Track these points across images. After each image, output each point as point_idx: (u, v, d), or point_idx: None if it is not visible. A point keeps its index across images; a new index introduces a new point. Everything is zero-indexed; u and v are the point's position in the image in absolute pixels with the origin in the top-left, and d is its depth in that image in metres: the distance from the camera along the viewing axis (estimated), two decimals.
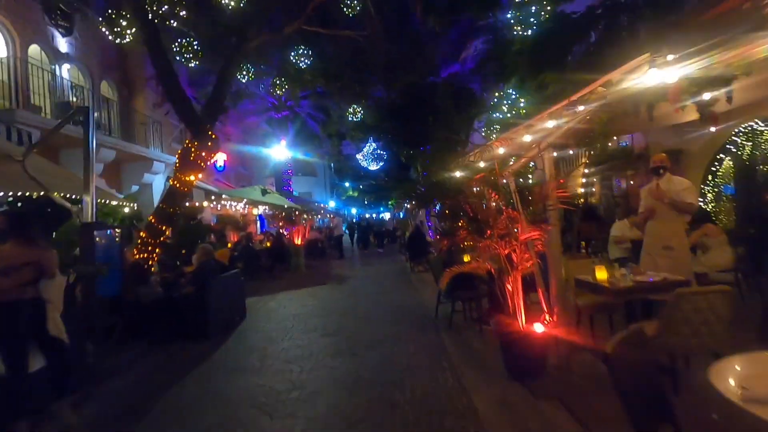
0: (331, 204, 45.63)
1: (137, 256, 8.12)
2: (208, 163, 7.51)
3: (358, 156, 22.54)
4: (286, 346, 5.77)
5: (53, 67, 11.06)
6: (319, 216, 22.01)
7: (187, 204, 15.67)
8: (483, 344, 5.16)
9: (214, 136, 7.15)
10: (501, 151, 3.89)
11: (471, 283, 5.85)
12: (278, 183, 17.54)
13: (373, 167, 22.35)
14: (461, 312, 6.23)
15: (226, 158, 19.89)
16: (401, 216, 31.57)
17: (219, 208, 16.78)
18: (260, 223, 23.10)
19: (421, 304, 7.76)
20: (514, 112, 6.11)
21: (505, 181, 4.22)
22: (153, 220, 7.79)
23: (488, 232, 4.10)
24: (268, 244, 14.77)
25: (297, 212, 13.99)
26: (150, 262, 8.13)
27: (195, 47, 7.76)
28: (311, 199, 24.81)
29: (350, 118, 11.68)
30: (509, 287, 4.05)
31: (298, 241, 14.05)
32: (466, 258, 6.49)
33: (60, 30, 11.26)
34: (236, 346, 5.92)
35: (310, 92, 14.02)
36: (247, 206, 16.06)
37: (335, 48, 9.99)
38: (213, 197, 13.46)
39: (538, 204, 4.07)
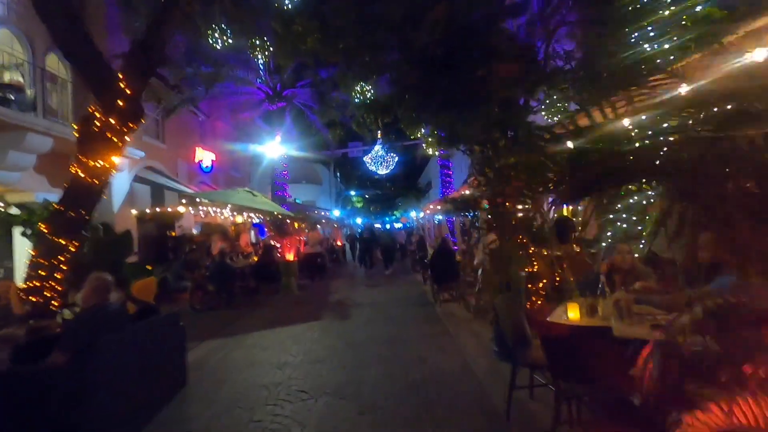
0: (336, 213, 42.95)
1: (26, 285, 5.19)
2: (127, 137, 4.57)
3: (366, 159, 19.73)
4: None
5: None
6: (319, 226, 18.93)
7: (158, 210, 12.86)
8: None
9: (130, 92, 4.22)
10: None
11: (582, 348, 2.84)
12: (272, 187, 14.61)
13: (382, 171, 19.51)
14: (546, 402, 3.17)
15: (214, 158, 17.09)
16: (409, 226, 28.41)
17: (203, 215, 13.91)
18: (259, 233, 20.16)
19: (469, 372, 4.67)
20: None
21: None
22: (47, 231, 4.85)
23: None
24: (255, 259, 11.81)
25: (289, 221, 11.01)
26: (48, 294, 5.18)
27: None
28: (313, 206, 21.71)
29: (357, 99, 8.83)
30: None
31: (290, 256, 11.05)
32: (573, 312, 3.44)
33: None
34: None
35: (306, 70, 11.21)
36: (233, 213, 13.17)
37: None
38: (185, 200, 10.56)
39: None
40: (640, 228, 4.66)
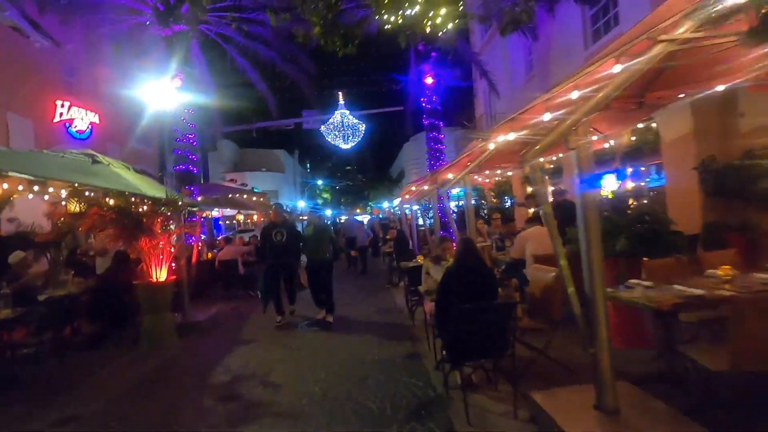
0: (301, 204, 36.88)
1: None
2: None
3: (322, 129, 14.31)
4: None
5: None
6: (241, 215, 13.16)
7: None
8: None
9: None
10: None
11: None
12: (163, 156, 8.94)
13: (344, 145, 14.15)
14: None
15: (97, 120, 11.17)
16: (382, 218, 22.52)
17: (63, 202, 8.12)
18: (215, 229, 14.29)
19: None
20: None
21: None
22: None
23: None
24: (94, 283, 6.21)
25: (149, 208, 5.44)
26: None
27: None
28: (249, 187, 15.55)
29: None
30: None
31: (159, 274, 5.55)
32: None
33: None
34: None
35: None
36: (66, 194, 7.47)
37: None
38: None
39: None
40: None
